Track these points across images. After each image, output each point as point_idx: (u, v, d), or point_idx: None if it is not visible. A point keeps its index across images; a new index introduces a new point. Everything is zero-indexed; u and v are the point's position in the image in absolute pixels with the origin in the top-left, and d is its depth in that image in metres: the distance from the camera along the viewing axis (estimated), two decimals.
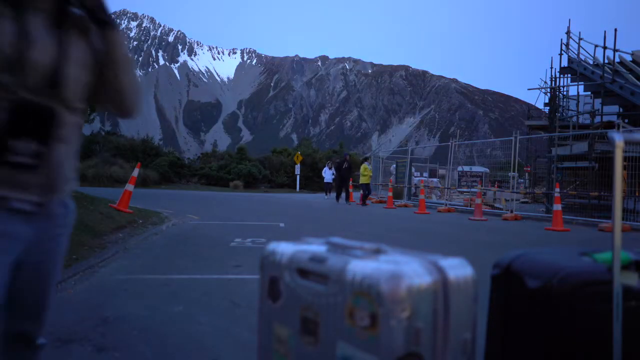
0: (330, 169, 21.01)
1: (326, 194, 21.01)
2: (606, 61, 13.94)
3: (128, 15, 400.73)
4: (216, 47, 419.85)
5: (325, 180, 21.31)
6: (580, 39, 15.50)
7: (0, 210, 1.17)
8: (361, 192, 16.43)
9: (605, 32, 13.93)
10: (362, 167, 16.40)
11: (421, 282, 0.90)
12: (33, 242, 1.27)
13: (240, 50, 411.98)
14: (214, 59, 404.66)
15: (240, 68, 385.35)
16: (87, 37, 1.32)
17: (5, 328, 1.37)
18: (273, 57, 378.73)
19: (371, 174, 16.82)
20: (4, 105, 1.14)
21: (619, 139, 1.13)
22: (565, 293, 1.10)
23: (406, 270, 0.90)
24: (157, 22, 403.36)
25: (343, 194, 17.16)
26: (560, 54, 15.65)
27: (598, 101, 14.56)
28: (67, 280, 3.98)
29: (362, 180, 16.13)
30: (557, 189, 10.34)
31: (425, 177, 21.01)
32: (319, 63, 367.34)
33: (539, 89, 17.10)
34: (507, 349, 1.20)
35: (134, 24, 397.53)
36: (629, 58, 14.40)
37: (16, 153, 1.14)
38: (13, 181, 1.17)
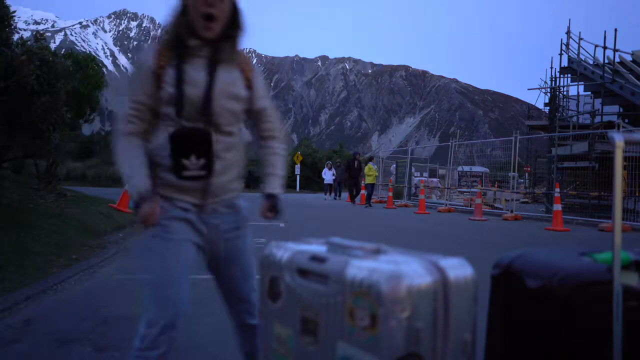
0: (330, 169, 20.64)
1: (325, 195, 20.59)
2: (606, 61, 13.93)
3: (128, 15, 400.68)
4: None
5: (325, 182, 20.90)
6: (580, 38, 15.49)
7: (172, 206, 1.57)
8: (365, 192, 15.96)
9: (605, 32, 13.93)
10: (366, 167, 15.88)
11: (421, 282, 0.90)
12: (210, 235, 1.63)
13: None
14: None
15: None
16: (237, 68, 1.64)
17: (230, 312, 1.78)
18: (273, 57, 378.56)
19: (376, 174, 16.35)
20: (170, 130, 1.52)
21: (619, 139, 1.13)
22: (565, 293, 1.10)
23: (406, 270, 0.90)
24: (157, 22, 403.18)
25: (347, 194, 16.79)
26: (560, 54, 15.64)
27: (598, 101, 14.55)
28: (67, 280, 3.98)
29: (367, 180, 15.70)
30: (557, 189, 10.33)
31: (425, 177, 20.97)
32: (319, 63, 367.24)
33: (539, 89, 17.09)
34: (507, 349, 1.20)
35: (134, 24, 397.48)
36: (629, 58, 14.38)
37: (187, 169, 1.52)
38: (180, 187, 1.56)
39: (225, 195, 1.63)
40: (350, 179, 16.23)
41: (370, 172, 15.67)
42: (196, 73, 1.55)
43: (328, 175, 20.53)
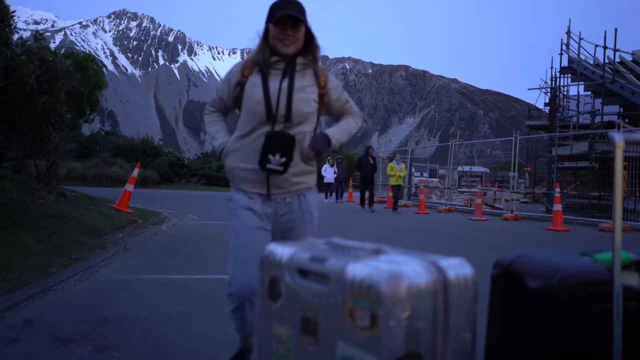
0: (331, 166, 17.86)
1: (326, 197, 17.83)
2: (606, 61, 13.93)
3: (128, 15, 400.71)
4: (216, 47, 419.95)
5: (325, 180, 17.85)
6: (580, 38, 15.49)
7: (246, 196, 1.98)
8: (393, 195, 13.65)
9: (605, 31, 13.94)
10: (388, 167, 13.68)
11: (421, 282, 0.90)
12: (277, 220, 2.01)
13: (240, 50, 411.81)
14: (214, 59, 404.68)
15: None
16: (312, 76, 2.01)
17: None
18: None
19: (402, 174, 13.68)
20: (265, 134, 1.91)
21: (619, 139, 1.13)
22: (565, 293, 1.10)
23: (406, 270, 0.90)
24: (157, 22, 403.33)
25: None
26: (561, 54, 15.65)
27: (598, 101, 14.55)
28: (67, 280, 3.98)
29: (391, 181, 13.57)
30: (558, 189, 10.33)
31: (425, 177, 20.95)
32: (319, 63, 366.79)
33: (539, 89, 17.09)
34: (507, 349, 1.19)
35: (133, 23, 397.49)
36: (629, 58, 14.38)
37: (270, 162, 1.89)
38: (251, 180, 1.97)
39: (290, 188, 1.98)
40: (361, 178, 13.43)
41: (393, 171, 13.42)
42: (277, 84, 1.93)
43: (329, 173, 17.82)
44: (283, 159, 1.89)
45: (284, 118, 1.92)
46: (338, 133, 2.07)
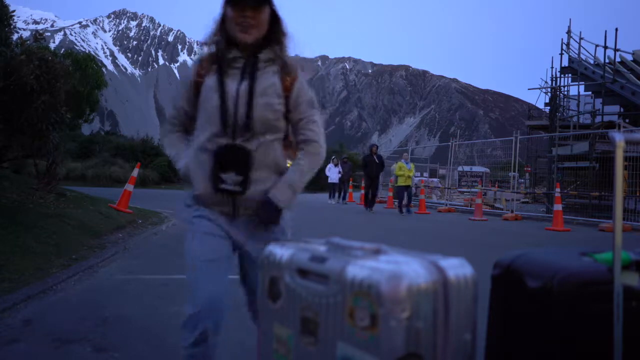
0: (336, 166, 16.79)
1: (330, 197, 16.89)
2: (607, 61, 13.93)
3: (128, 14, 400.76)
4: None
5: (329, 181, 16.80)
6: (581, 38, 15.49)
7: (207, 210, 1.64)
8: (406, 197, 12.62)
9: (606, 31, 13.93)
10: (396, 166, 12.68)
11: (421, 282, 0.90)
12: (239, 237, 1.65)
13: None
14: None
15: None
16: (276, 76, 1.64)
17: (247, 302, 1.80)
18: None
19: (411, 174, 12.62)
20: (214, 149, 1.58)
21: (619, 138, 1.13)
22: (565, 293, 1.10)
23: (406, 270, 0.90)
24: (157, 21, 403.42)
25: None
26: (561, 54, 15.65)
27: (599, 101, 14.55)
28: (66, 281, 3.98)
29: (399, 182, 12.49)
30: (558, 189, 10.33)
31: (425, 177, 20.95)
32: (319, 63, 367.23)
33: (539, 88, 17.08)
34: (508, 349, 1.19)
35: (133, 23, 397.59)
36: (629, 58, 14.38)
37: (225, 182, 1.57)
38: (213, 199, 1.61)
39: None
40: (367, 178, 12.73)
41: (402, 171, 12.41)
42: (235, 85, 1.60)
43: (333, 173, 16.70)
44: (240, 177, 1.57)
45: (244, 128, 1.58)
46: (287, 191, 1.64)
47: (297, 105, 1.67)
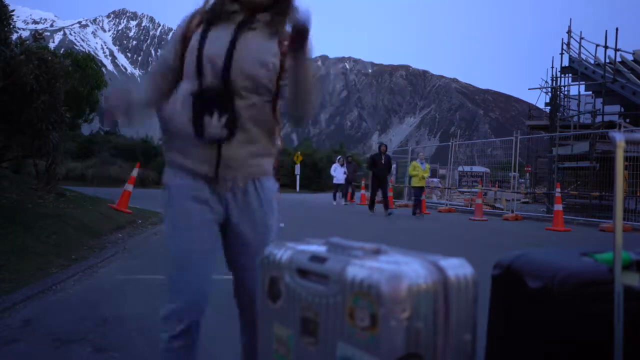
0: (342, 165, 16.11)
1: (335, 198, 16.10)
2: (607, 61, 13.93)
3: (127, 14, 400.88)
4: None
5: (335, 181, 16.09)
6: (581, 38, 15.49)
7: (188, 177, 1.52)
8: (413, 198, 12.20)
9: (606, 31, 13.94)
10: (411, 166, 12.12)
11: (421, 282, 0.89)
12: (223, 210, 1.53)
13: None
14: None
15: None
16: (273, 39, 1.52)
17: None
18: None
19: (425, 175, 12.02)
20: (189, 90, 1.47)
21: (619, 138, 1.13)
22: (566, 293, 1.09)
23: (406, 270, 0.90)
24: (157, 21, 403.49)
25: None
26: (561, 54, 15.64)
27: (599, 101, 14.55)
28: (66, 281, 3.98)
29: (413, 182, 11.88)
30: (558, 189, 10.33)
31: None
32: (319, 63, 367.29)
33: (539, 88, 17.07)
34: (508, 349, 1.19)
35: (133, 23, 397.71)
36: (630, 57, 14.39)
37: (209, 126, 1.44)
38: (195, 155, 1.49)
39: (244, 170, 1.51)
40: (375, 178, 12.17)
41: (416, 171, 11.69)
42: (223, 35, 1.49)
43: (339, 173, 15.94)
44: (224, 119, 1.44)
45: (219, 79, 1.46)
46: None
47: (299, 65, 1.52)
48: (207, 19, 1.52)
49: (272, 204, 1.58)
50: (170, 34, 1.65)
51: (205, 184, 1.50)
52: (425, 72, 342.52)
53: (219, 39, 1.48)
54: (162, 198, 1.56)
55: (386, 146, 12.73)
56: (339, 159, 16.83)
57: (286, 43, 1.49)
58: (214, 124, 1.43)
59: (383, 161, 12.09)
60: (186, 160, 1.49)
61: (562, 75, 15.96)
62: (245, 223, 1.54)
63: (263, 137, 1.53)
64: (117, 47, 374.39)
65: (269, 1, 1.51)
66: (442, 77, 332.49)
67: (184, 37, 1.54)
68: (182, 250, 1.53)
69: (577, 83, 15.60)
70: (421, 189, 11.91)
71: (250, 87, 1.48)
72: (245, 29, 1.50)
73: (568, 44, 15.75)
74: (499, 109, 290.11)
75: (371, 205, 12.20)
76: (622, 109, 14.53)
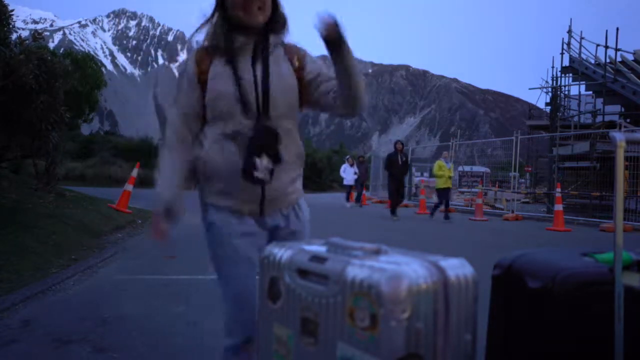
0: (351, 166, 15.31)
1: (347, 200, 15.33)
2: (608, 60, 13.93)
3: (127, 14, 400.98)
4: None
5: (345, 182, 15.38)
6: (581, 38, 15.49)
7: (233, 216, 1.53)
8: (442, 201, 10.97)
9: (607, 31, 13.93)
10: (436, 165, 10.98)
11: (421, 282, 0.89)
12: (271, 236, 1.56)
13: None
14: None
15: None
16: (286, 59, 1.56)
17: None
18: None
19: (451, 175, 11.11)
20: (228, 131, 1.47)
21: (620, 138, 1.12)
22: (566, 293, 1.09)
23: (406, 270, 0.90)
24: (157, 21, 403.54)
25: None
26: (562, 54, 15.65)
27: (600, 101, 14.55)
28: (66, 281, 3.98)
29: (438, 184, 10.90)
30: (559, 189, 10.32)
31: (425, 177, 20.93)
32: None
33: (540, 88, 17.07)
34: (508, 349, 1.19)
35: (133, 23, 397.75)
36: (630, 57, 14.38)
37: (257, 169, 1.45)
38: (238, 196, 1.51)
39: (286, 200, 1.56)
40: (391, 179, 11.11)
41: (442, 171, 10.72)
42: (247, 69, 1.49)
43: (349, 174, 15.18)
44: (270, 164, 1.46)
45: (265, 114, 1.49)
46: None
47: (312, 71, 1.57)
48: (225, 57, 1.50)
49: (308, 223, 1.64)
50: (180, 72, 1.60)
51: (250, 219, 1.52)
52: (425, 72, 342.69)
53: (250, 75, 1.49)
54: (207, 238, 1.55)
55: (403, 144, 11.63)
56: (348, 158, 15.98)
57: (296, 58, 1.55)
58: (264, 165, 1.44)
59: (400, 161, 11.00)
60: (230, 202, 1.50)
61: (563, 75, 15.98)
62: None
63: (296, 159, 1.57)
64: (116, 47, 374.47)
65: (265, 20, 1.50)
66: (442, 77, 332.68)
67: (200, 82, 1.50)
68: (239, 286, 1.51)
69: (578, 83, 15.61)
70: (447, 190, 10.93)
71: (287, 114, 1.52)
72: (265, 58, 1.51)
73: (568, 44, 15.75)
74: (499, 109, 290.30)
75: (393, 210, 11.02)
76: (623, 109, 14.52)
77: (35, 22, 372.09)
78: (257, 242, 1.51)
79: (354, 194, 15.68)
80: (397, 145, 11.22)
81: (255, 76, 1.49)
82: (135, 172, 9.63)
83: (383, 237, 7.47)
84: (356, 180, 15.23)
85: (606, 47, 13.90)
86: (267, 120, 1.48)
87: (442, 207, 10.84)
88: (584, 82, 15.18)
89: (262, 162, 1.44)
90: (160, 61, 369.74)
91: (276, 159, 1.46)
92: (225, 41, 1.50)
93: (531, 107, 22.17)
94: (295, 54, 1.57)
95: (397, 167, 10.95)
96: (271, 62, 1.52)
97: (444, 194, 10.85)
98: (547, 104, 17.24)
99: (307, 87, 1.56)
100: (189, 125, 1.53)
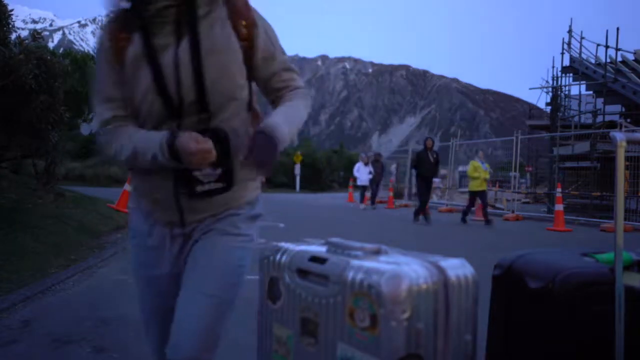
0: (366, 165, 14.07)
1: (363, 203, 14.16)
2: (608, 60, 13.92)
3: None
4: None
5: (359, 182, 14.18)
6: (582, 37, 15.48)
7: (147, 223, 1.29)
8: (467, 203, 10.34)
9: (607, 31, 13.92)
10: (470, 166, 10.00)
11: (422, 282, 0.89)
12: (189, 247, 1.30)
13: None
14: None
15: None
16: (226, 23, 1.17)
17: None
18: None
19: (487, 176, 10.11)
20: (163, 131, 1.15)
21: (620, 138, 1.12)
22: (566, 293, 1.09)
23: (407, 270, 0.89)
24: None
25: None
26: (562, 53, 15.63)
27: (600, 100, 14.54)
28: (65, 281, 3.97)
29: (472, 186, 9.95)
30: (559, 189, 10.31)
31: None
32: (319, 62, 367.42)
33: (540, 88, 17.06)
34: (509, 349, 1.19)
35: None
36: (631, 57, 14.37)
37: (201, 183, 1.17)
38: (161, 204, 1.25)
39: (218, 209, 1.24)
40: (420, 179, 10.29)
41: (477, 172, 9.78)
42: (167, 46, 1.13)
43: (363, 173, 13.93)
44: (218, 170, 1.15)
45: (195, 107, 1.14)
46: (287, 126, 1.17)
47: (265, 59, 1.22)
48: (140, 29, 1.13)
49: (247, 232, 1.28)
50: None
51: (166, 229, 1.25)
52: (425, 72, 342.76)
53: (170, 57, 1.12)
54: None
55: (433, 141, 10.64)
56: (362, 156, 14.57)
57: (244, 24, 1.17)
58: (207, 176, 1.16)
59: (432, 158, 9.96)
60: (149, 207, 1.26)
61: (563, 75, 15.97)
62: (206, 246, 1.25)
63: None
64: None
65: None
66: (442, 77, 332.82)
67: (117, 61, 1.15)
68: (143, 307, 1.43)
69: (578, 83, 15.59)
70: (483, 193, 9.94)
71: (219, 103, 1.17)
72: (192, 26, 1.12)
73: (569, 44, 15.74)
74: (499, 109, 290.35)
75: (417, 212, 10.02)
76: (623, 109, 14.52)
77: (34, 21, 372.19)
78: (166, 255, 1.26)
79: (368, 196, 14.44)
80: (427, 142, 10.39)
81: (177, 57, 1.11)
82: None
83: (383, 237, 7.47)
84: (371, 180, 14.01)
85: (607, 46, 13.89)
86: (202, 115, 1.15)
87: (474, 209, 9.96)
88: (584, 82, 15.16)
89: (205, 171, 1.15)
90: None
91: (227, 162, 1.16)
92: (137, 3, 1.12)
93: (531, 107, 22.15)
94: (242, 18, 1.17)
95: (428, 166, 9.97)
96: (203, 32, 1.13)
97: (479, 197, 9.96)
98: (547, 104, 17.24)
99: (253, 70, 1.23)
100: (118, 109, 1.20)
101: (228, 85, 1.17)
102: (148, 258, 1.28)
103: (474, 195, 10.00)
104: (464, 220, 10.01)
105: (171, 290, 1.24)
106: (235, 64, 1.17)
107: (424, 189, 10.17)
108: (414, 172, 12.16)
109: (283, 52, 1.29)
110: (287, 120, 1.19)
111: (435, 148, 10.81)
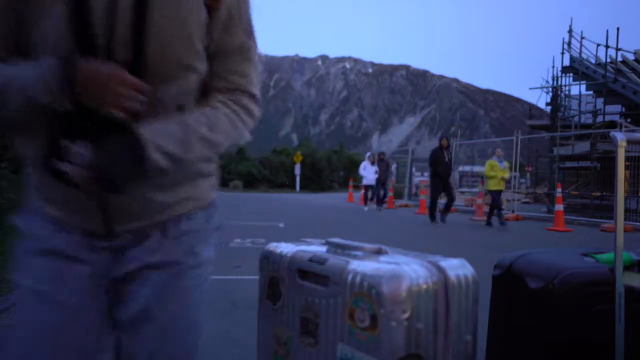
0: (372, 164, 13.76)
1: (366, 203, 13.94)
2: (608, 60, 13.91)
3: None
4: None
5: (364, 182, 13.91)
6: (582, 37, 15.47)
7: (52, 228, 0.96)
8: (491, 203, 9.97)
9: (607, 30, 13.91)
10: (487, 165, 9.76)
11: (422, 282, 0.89)
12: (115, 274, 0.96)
13: None
14: None
15: None
16: None
17: None
18: (272, 57, 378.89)
19: (505, 175, 9.80)
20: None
21: (620, 138, 1.12)
22: (566, 293, 1.09)
23: (407, 271, 0.90)
24: None
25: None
26: (562, 53, 15.63)
27: (600, 100, 14.53)
28: None
29: (490, 185, 9.68)
30: (559, 189, 10.32)
31: (426, 177, 20.93)
32: (319, 62, 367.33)
33: (540, 88, 17.06)
34: (509, 350, 1.19)
35: None
36: (631, 57, 14.37)
37: (69, 159, 0.78)
38: (67, 202, 0.93)
39: (155, 215, 0.90)
40: (434, 178, 9.95)
41: (494, 171, 9.52)
42: None
43: (369, 172, 13.59)
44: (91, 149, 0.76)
45: (126, 68, 0.76)
46: (178, 132, 0.82)
47: (226, 28, 0.89)
48: None
49: (200, 253, 0.97)
50: None
51: (83, 239, 0.91)
52: (425, 72, 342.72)
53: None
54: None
55: (448, 140, 10.47)
56: (369, 156, 14.08)
57: None
58: (77, 152, 0.76)
59: (447, 158, 9.81)
60: (57, 211, 0.92)
61: (563, 75, 15.97)
62: (134, 285, 0.92)
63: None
64: None
65: None
66: (442, 77, 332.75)
67: None
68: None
69: (578, 83, 15.59)
70: (499, 192, 9.69)
71: (161, 73, 0.81)
72: None
73: (569, 44, 15.74)
74: (499, 108, 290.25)
75: (432, 213, 9.83)
76: (623, 109, 14.51)
77: None
78: (83, 277, 0.90)
79: (364, 195, 14.35)
80: (442, 142, 10.11)
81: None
82: None
83: (383, 237, 7.47)
84: (377, 180, 13.63)
85: (607, 46, 13.88)
86: (138, 72, 0.77)
87: (495, 212, 9.71)
88: (584, 82, 15.16)
89: (75, 147, 0.75)
90: None
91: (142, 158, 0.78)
92: None
93: (531, 107, 22.17)
94: None
95: (443, 165, 9.78)
96: None
97: (496, 197, 9.70)
98: (547, 104, 17.23)
99: (212, 37, 0.88)
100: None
101: (181, 45, 0.82)
102: (49, 267, 0.91)
103: (495, 193, 9.69)
104: (488, 222, 9.70)
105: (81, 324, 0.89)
106: (194, 16, 0.83)
107: (440, 189, 9.96)
108: (413, 171, 12.22)
109: (249, 31, 0.94)
110: (191, 134, 0.83)
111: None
